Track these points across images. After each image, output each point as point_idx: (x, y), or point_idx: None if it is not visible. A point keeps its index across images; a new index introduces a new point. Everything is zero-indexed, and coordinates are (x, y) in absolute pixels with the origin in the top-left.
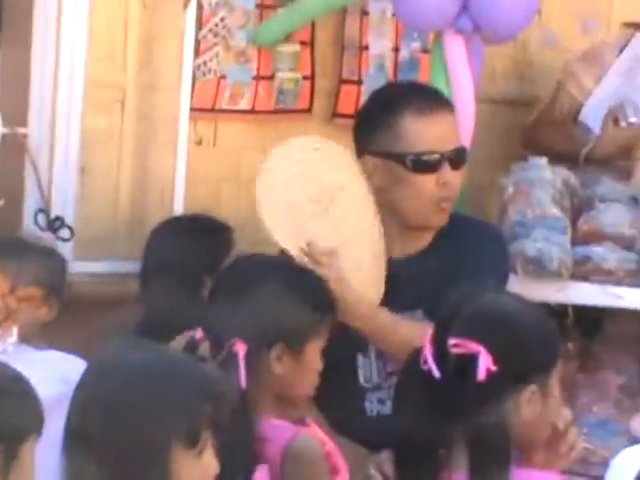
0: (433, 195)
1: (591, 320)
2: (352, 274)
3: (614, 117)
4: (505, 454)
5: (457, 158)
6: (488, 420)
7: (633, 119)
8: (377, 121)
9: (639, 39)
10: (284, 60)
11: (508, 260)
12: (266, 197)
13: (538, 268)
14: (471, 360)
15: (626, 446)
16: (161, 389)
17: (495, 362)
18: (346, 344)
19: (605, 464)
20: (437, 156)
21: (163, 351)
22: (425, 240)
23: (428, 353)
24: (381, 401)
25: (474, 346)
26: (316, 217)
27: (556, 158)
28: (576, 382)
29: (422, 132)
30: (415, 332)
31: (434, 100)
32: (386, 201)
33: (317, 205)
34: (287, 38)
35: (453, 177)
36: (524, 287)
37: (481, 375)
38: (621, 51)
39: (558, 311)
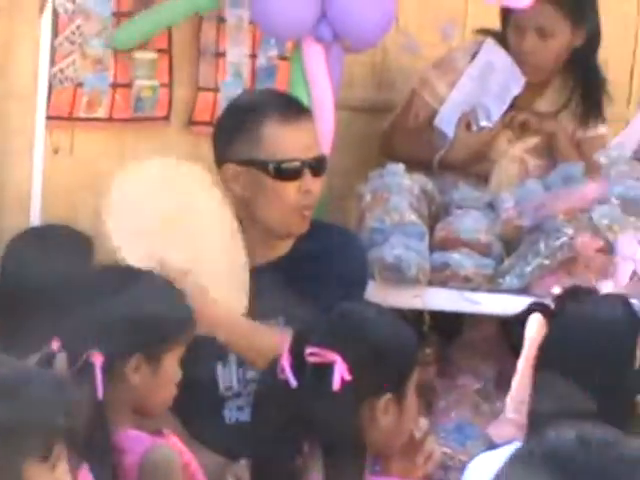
0: (295, 202)
1: (449, 326)
2: (212, 286)
3: (467, 122)
4: (360, 463)
5: (318, 166)
6: (343, 429)
7: (484, 123)
8: (237, 129)
9: (490, 45)
10: (142, 68)
11: (367, 267)
12: (115, 218)
13: (396, 274)
14: (328, 369)
15: (483, 451)
16: (12, 404)
17: (350, 371)
18: (205, 354)
19: (463, 468)
20: (298, 164)
21: (15, 365)
22: (286, 247)
23: (285, 362)
24: (240, 408)
25: (330, 355)
26: (167, 234)
27: (414, 164)
28: (434, 387)
29: (284, 140)
30: (275, 340)
31: (295, 108)
32: (247, 209)
33: (168, 223)
34: (144, 45)
35: (314, 184)
36: (382, 294)
37: (336, 385)
38: (473, 57)
39: (416, 317)
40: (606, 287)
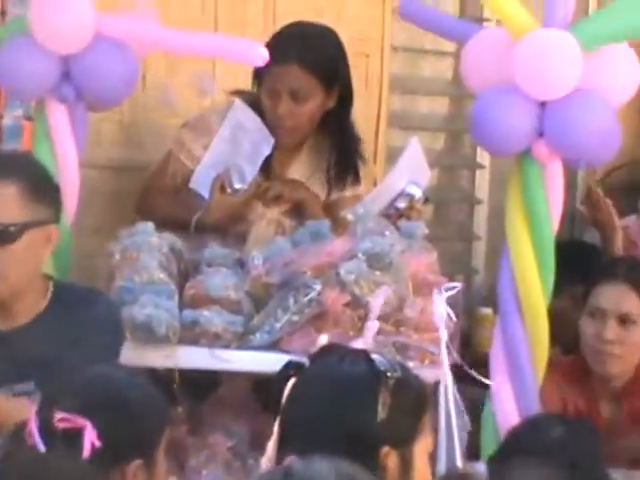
0: None
1: (202, 383)
2: None
3: (221, 183)
4: None
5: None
6: None
7: (238, 185)
8: None
9: (238, 106)
10: None
11: (119, 327)
12: None
13: (147, 334)
14: (77, 435)
15: None
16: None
17: (100, 437)
18: None
19: None
20: None
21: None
22: (31, 312)
23: (34, 426)
24: None
25: (80, 421)
26: None
27: (172, 225)
28: (185, 446)
29: None
30: (23, 409)
31: None
32: None
33: None
34: None
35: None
36: (134, 353)
37: (86, 451)
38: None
39: (167, 376)
40: (357, 343)
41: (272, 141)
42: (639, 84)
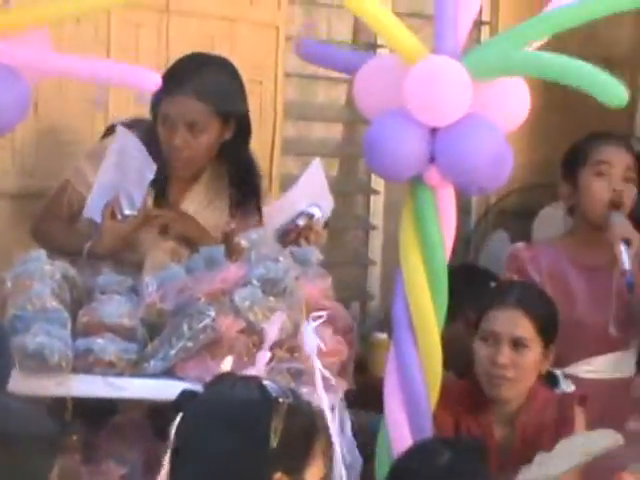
0: None
1: (97, 411)
2: None
3: (111, 210)
4: None
5: None
6: None
7: (128, 211)
8: None
9: (121, 132)
10: None
11: (9, 357)
12: None
13: (39, 363)
14: None
15: None
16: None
17: None
18: None
19: None
20: None
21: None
22: None
23: None
24: None
25: None
26: None
27: (66, 252)
28: (79, 474)
29: None
30: None
31: None
32: None
33: None
34: None
35: None
36: (25, 383)
37: None
38: None
39: (59, 405)
40: (250, 370)
41: (154, 166)
42: (527, 111)
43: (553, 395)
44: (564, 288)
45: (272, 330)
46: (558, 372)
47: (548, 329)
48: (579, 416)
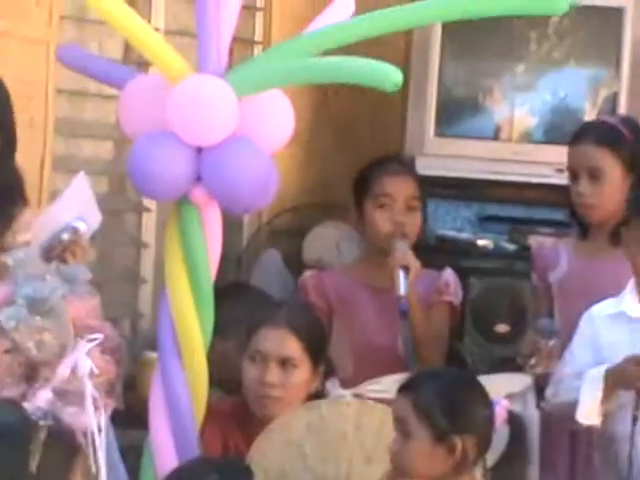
0: None
1: None
2: None
3: None
4: None
5: None
6: None
7: None
8: None
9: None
10: None
11: None
12: None
13: None
14: None
15: None
16: None
17: None
18: None
19: None
20: None
21: None
22: None
23: None
24: None
25: None
26: None
27: None
28: None
29: None
30: None
31: None
32: None
33: None
34: None
35: None
36: None
37: None
38: None
39: None
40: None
41: None
42: (292, 130)
43: None
44: (354, 311)
45: (62, 369)
46: (345, 393)
47: (316, 348)
48: None
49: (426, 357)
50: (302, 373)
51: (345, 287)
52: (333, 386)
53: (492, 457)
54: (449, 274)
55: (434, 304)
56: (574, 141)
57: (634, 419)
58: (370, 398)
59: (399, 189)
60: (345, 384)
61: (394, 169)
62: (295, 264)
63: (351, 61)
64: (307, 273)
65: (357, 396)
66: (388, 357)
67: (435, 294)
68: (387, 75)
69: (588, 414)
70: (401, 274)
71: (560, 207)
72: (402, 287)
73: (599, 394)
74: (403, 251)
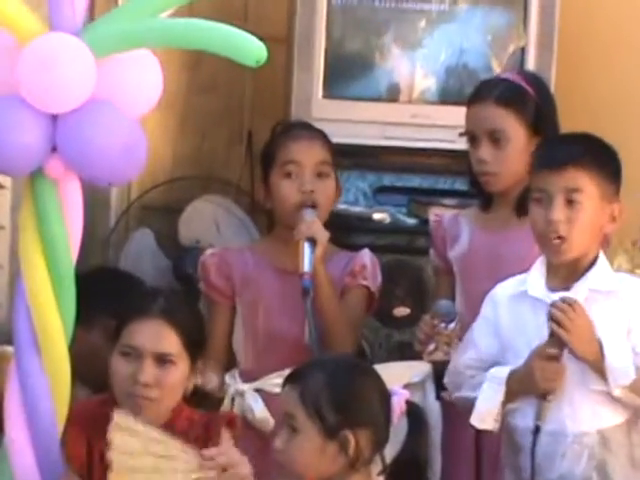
0: None
1: None
2: None
3: None
4: None
5: None
6: None
7: None
8: None
9: None
10: None
11: None
12: None
13: None
14: None
15: None
16: None
17: None
18: None
19: None
20: None
21: None
22: None
23: None
24: None
25: None
26: None
27: None
28: None
29: None
30: None
31: None
32: None
33: None
34: None
35: None
36: None
37: None
38: None
39: None
40: None
41: None
42: (160, 94)
43: (200, 416)
44: (259, 294)
45: None
46: (245, 387)
47: (195, 343)
48: (225, 437)
49: (333, 346)
50: (180, 370)
51: (251, 267)
52: (233, 379)
53: (391, 452)
54: (366, 255)
55: (347, 288)
56: (472, 101)
57: (536, 429)
58: (273, 393)
59: (306, 155)
60: (246, 376)
61: (300, 134)
62: (170, 245)
63: (216, 29)
64: (208, 251)
65: (258, 391)
66: (294, 347)
67: (349, 277)
68: (250, 50)
69: (484, 418)
70: (306, 247)
71: (465, 175)
72: (306, 262)
73: (499, 398)
74: (310, 221)
